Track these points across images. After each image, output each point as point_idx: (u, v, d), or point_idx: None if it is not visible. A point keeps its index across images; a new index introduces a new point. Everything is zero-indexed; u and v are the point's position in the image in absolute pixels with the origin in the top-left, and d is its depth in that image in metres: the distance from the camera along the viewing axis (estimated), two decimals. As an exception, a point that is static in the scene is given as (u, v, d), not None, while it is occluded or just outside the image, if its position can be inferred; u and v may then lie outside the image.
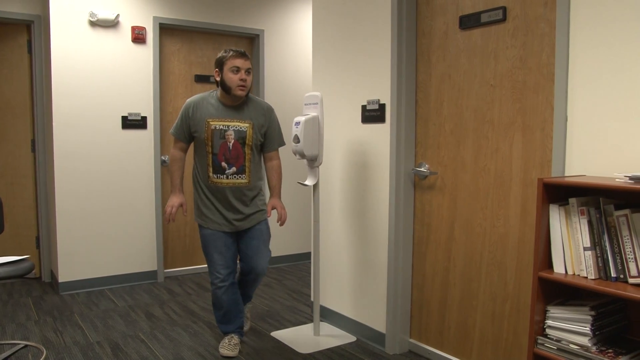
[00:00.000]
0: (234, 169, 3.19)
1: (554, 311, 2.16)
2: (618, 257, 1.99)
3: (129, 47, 4.88)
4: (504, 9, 2.79)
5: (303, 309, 4.37)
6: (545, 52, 2.61)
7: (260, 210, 3.36)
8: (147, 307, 4.37)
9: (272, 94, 5.69)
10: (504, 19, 2.80)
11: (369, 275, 3.61)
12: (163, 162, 5.18)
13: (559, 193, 2.17)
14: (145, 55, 4.97)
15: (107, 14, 4.68)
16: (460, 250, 3.11)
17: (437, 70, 3.19)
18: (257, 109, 3.28)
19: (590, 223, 2.06)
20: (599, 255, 2.04)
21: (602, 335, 2.08)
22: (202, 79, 5.42)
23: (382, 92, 3.41)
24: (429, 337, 3.36)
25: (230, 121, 3.18)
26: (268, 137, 3.33)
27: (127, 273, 5.01)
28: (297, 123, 3.43)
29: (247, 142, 3.20)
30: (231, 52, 3.12)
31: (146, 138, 5.02)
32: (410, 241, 3.42)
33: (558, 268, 2.15)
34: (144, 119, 4.98)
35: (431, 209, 3.29)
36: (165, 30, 5.16)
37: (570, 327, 2.08)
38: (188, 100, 3.24)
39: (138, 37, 4.89)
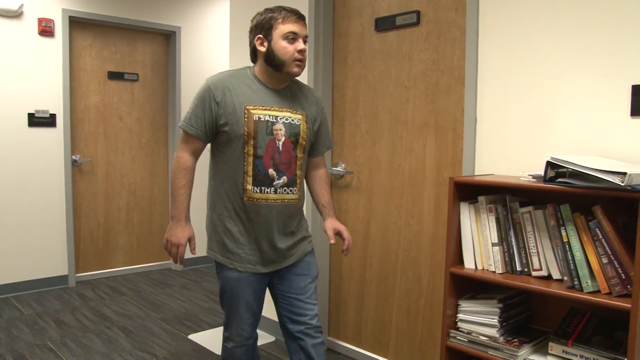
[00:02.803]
0: (284, 179, 2.18)
1: (464, 305, 2.24)
2: (523, 252, 2.10)
3: (35, 40, 4.62)
4: (418, 13, 2.87)
5: (222, 311, 4.30)
6: (456, 55, 2.70)
7: (307, 238, 2.38)
8: (57, 313, 4.17)
9: (188, 93, 5.57)
10: (417, 23, 2.88)
11: (288, 274, 3.61)
12: (74, 161, 4.96)
13: (469, 191, 2.26)
14: (54, 50, 4.73)
15: (9, 3, 4.41)
16: (377, 248, 3.17)
17: (353, 71, 3.24)
18: (306, 97, 2.32)
19: (497, 220, 2.16)
20: (505, 250, 2.14)
21: (509, 325, 2.18)
22: (116, 75, 5.23)
23: (300, 91, 3.42)
24: (346, 334, 3.41)
25: (278, 110, 2.17)
26: (317, 137, 2.37)
27: (34, 279, 4.75)
28: (215, 122, 3.37)
29: (300, 140, 2.21)
30: (283, 12, 2.15)
31: (55, 136, 4.78)
32: (327, 240, 3.44)
33: (468, 263, 2.23)
34: (53, 116, 4.74)
35: (347, 208, 3.33)
36: (76, 23, 4.94)
37: (480, 319, 2.17)
38: (210, 79, 2.18)
39: (45, 29, 4.65)
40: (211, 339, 3.67)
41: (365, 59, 3.17)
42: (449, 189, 2.21)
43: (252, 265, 2.22)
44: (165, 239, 2.21)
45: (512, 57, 2.40)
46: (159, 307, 4.37)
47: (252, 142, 2.12)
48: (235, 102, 2.12)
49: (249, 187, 2.14)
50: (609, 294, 1.86)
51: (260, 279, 2.26)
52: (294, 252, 2.30)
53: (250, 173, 2.14)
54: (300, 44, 2.13)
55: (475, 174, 2.54)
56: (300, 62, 2.15)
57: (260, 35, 2.18)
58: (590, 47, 2.16)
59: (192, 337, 3.70)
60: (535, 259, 2.07)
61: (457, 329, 2.25)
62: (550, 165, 1.92)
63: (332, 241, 2.32)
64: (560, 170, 1.92)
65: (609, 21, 2.11)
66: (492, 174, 2.45)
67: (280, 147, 2.16)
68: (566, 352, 1.96)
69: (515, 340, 2.12)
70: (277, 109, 2.17)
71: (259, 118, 2.13)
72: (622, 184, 1.68)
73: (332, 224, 2.39)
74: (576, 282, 1.92)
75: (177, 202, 2.18)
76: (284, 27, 2.13)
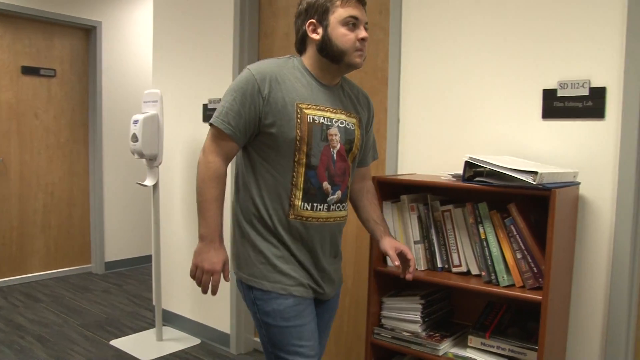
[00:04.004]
0: (338, 193, 1.82)
1: (388, 302, 2.28)
2: (443, 249, 2.16)
3: (-59, 33, 4.35)
4: (342, 14, 2.89)
5: (145, 314, 4.20)
6: (380, 57, 2.75)
7: (341, 265, 2.02)
8: (-35, 322, 3.94)
9: (110, 91, 5.40)
10: (342, 24, 2.90)
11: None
12: (-16, 161, 4.70)
13: (392, 190, 2.31)
14: (-39, 43, 4.46)
15: None
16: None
17: (279, 71, 3.23)
18: (357, 97, 1.97)
19: (419, 218, 2.21)
20: (427, 247, 2.20)
21: (431, 321, 2.24)
22: (31, 71, 4.98)
23: (224, 91, 3.37)
24: (273, 335, 3.39)
25: (333, 111, 1.81)
26: (366, 144, 2.01)
27: (-60, 286, 4.47)
28: (136, 121, 3.30)
29: (353, 149, 1.86)
30: None
31: (-37, 135, 4.51)
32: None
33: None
34: (-40, 113, 4.48)
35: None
36: (-15, 16, 4.68)
37: (403, 316, 2.22)
38: (253, 67, 1.77)
39: (-48, 22, 4.38)
40: (134, 343, 3.57)
41: (291, 59, 3.17)
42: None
43: (306, 289, 1.81)
44: (195, 265, 1.76)
45: (434, 60, 2.48)
46: (79, 312, 4.21)
47: (304, 149, 1.73)
48: (286, 97, 1.73)
49: (298, 203, 1.75)
50: (523, 287, 1.95)
51: (313, 305, 1.85)
52: (336, 282, 1.94)
53: (301, 186, 1.75)
54: (362, 32, 1.77)
55: (398, 173, 2.60)
56: (362, 53, 1.80)
57: (314, 20, 1.79)
58: (506, 52, 2.26)
59: (114, 342, 3.59)
60: (455, 256, 2.13)
61: (382, 325, 2.29)
62: (468, 164, 1.99)
63: (398, 263, 1.87)
64: (478, 169, 1.99)
65: (522, 29, 2.21)
66: (414, 174, 2.51)
67: (335, 155, 1.79)
68: (484, 344, 2.04)
69: (437, 334, 2.18)
70: (331, 110, 1.80)
71: (313, 120, 1.74)
72: (534, 183, 1.76)
73: (392, 243, 1.93)
74: (493, 277, 2.00)
75: (208, 218, 1.74)
76: (343, 11, 1.76)
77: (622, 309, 2.01)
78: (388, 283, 2.33)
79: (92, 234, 5.46)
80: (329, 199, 1.79)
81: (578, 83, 2.08)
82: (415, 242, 2.21)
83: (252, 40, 3.31)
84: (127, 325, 3.95)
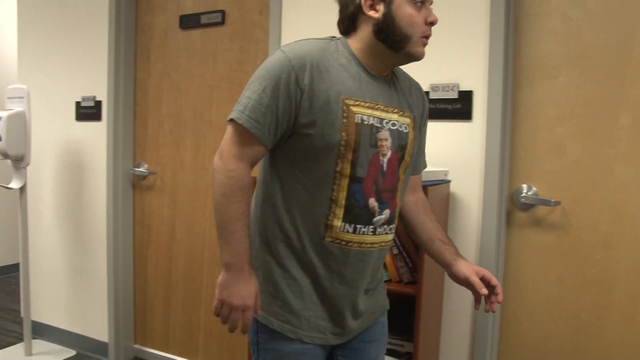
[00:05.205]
0: (387, 212, 1.45)
1: (270, 302, 2.28)
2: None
3: None
4: (223, 12, 2.87)
5: (12, 328, 3.91)
6: (260, 56, 2.75)
7: (384, 289, 1.67)
8: None
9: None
10: (222, 23, 2.88)
11: (88, 282, 3.39)
12: None
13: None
14: None
15: None
16: (182, 250, 3.11)
17: (156, 69, 3.14)
18: (410, 90, 1.58)
19: (300, 217, 2.23)
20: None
21: (312, 319, 2.27)
22: None
23: (99, 88, 3.23)
24: (154, 341, 3.30)
25: (384, 110, 1.43)
26: (419, 146, 1.63)
27: None
28: (-1, 119, 3.06)
29: (405, 156, 1.48)
30: None
31: None
32: (130, 243, 3.31)
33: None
34: None
35: (151, 210, 3.23)
36: None
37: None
38: (289, 49, 1.37)
39: None
40: (-2, 359, 3.32)
41: (170, 57, 3.09)
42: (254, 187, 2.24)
43: (322, 335, 1.46)
44: (220, 301, 1.40)
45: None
46: None
47: (350, 157, 1.36)
48: (330, 91, 1.35)
49: (337, 223, 1.39)
50: (400, 281, 2.02)
51: (325, 353, 1.51)
52: (373, 312, 1.58)
53: (342, 203, 1.38)
54: (431, 14, 1.41)
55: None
56: (427, 41, 1.44)
57: None
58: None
59: (-25, 360, 3.31)
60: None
61: (264, 326, 2.28)
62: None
63: (486, 292, 1.47)
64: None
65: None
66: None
67: (385, 165, 1.42)
68: (363, 339, 2.10)
69: (318, 332, 2.21)
70: (382, 107, 1.42)
71: (362, 120, 1.37)
72: (408, 181, 1.84)
73: (472, 267, 1.53)
74: (371, 273, 2.06)
75: (234, 242, 1.36)
76: None
77: (488, 299, 2.15)
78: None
79: (-51, 242, 4.99)
80: (375, 219, 1.42)
81: (448, 86, 2.20)
82: (297, 242, 2.22)
83: (129, 36, 3.18)
84: (-10, 339, 3.66)
